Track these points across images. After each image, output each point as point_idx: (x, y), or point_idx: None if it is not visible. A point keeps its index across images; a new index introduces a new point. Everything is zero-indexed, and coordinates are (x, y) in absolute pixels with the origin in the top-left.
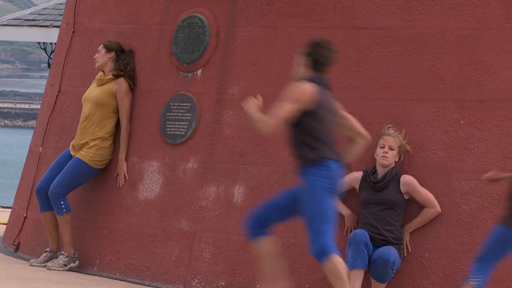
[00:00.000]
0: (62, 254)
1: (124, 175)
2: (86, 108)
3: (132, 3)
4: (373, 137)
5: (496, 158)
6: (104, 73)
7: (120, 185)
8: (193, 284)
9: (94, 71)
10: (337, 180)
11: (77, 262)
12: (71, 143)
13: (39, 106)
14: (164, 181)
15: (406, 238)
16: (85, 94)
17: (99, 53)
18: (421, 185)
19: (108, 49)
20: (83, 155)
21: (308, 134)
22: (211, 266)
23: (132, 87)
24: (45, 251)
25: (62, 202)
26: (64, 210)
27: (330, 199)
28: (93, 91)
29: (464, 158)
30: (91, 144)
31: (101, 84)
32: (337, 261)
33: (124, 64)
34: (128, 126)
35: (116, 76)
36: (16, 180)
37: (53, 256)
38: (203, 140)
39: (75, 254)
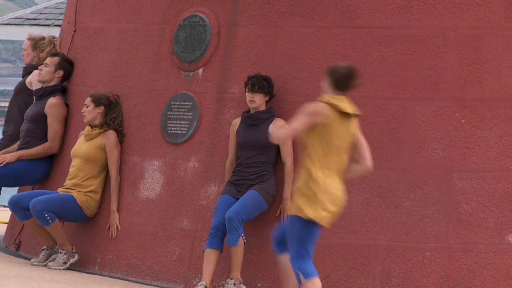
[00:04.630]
0: (60, 252)
1: (117, 226)
2: (75, 163)
3: (133, 2)
4: (374, 135)
5: (497, 157)
6: (91, 128)
7: (113, 237)
8: (194, 283)
9: (95, 71)
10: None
11: (76, 257)
12: (58, 190)
13: None
14: (165, 180)
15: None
16: (73, 149)
17: (87, 107)
18: (422, 184)
19: (97, 103)
20: (78, 194)
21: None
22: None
23: (121, 139)
24: (43, 249)
25: (46, 215)
26: (50, 221)
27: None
28: (81, 146)
29: (465, 157)
30: (85, 193)
31: (89, 139)
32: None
33: (112, 118)
34: (117, 177)
35: (104, 129)
36: None
37: (52, 252)
38: (204, 139)
39: (73, 249)
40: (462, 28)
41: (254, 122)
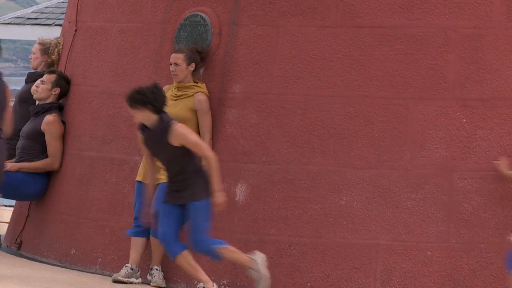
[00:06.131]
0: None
1: None
2: None
3: (134, 2)
4: (376, 134)
5: (499, 157)
6: None
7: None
8: (195, 282)
9: (96, 70)
10: None
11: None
12: None
13: None
14: None
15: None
16: None
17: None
18: (423, 183)
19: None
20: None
21: None
22: (213, 265)
23: None
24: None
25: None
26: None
27: None
28: None
29: (466, 156)
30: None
31: None
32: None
33: None
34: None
35: None
36: None
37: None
38: None
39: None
40: (463, 27)
41: (157, 138)
